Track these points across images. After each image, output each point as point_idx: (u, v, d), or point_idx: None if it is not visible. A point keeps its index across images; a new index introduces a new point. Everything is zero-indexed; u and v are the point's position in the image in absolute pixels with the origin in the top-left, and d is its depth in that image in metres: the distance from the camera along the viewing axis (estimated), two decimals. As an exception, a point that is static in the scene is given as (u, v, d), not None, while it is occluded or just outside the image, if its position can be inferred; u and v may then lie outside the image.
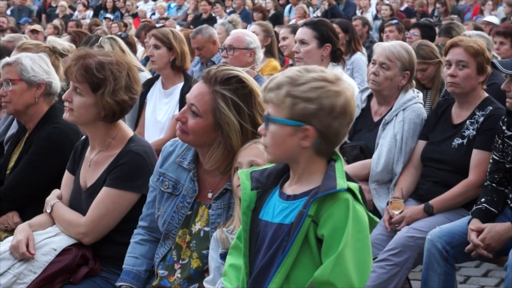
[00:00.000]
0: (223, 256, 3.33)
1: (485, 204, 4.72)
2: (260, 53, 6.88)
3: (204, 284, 3.45)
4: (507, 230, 4.59)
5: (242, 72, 3.57)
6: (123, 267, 3.82)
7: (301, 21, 10.36)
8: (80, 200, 4.09)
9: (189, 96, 3.57)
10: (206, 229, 3.61)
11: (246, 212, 2.84)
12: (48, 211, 4.12)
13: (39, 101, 4.69)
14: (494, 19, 13.90)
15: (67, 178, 4.24)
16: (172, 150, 3.77)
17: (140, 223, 3.86)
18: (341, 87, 2.74)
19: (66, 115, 4.06)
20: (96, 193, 3.99)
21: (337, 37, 6.25)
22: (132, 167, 3.98)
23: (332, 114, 2.70)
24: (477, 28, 7.34)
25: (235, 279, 2.93)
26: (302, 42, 6.09)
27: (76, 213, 4.05)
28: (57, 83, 4.78)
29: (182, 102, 6.61)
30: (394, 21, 11.45)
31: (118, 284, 3.78)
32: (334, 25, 8.16)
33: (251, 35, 6.98)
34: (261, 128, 2.80)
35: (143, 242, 3.82)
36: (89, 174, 4.10)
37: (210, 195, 3.65)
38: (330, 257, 2.65)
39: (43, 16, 23.46)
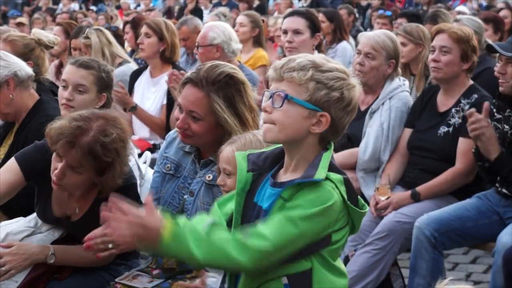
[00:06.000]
0: None
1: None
2: (235, 45, 6.65)
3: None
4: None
5: (227, 66, 3.65)
6: None
7: (287, 10, 10.28)
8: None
9: (185, 103, 3.60)
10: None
11: (240, 194, 2.84)
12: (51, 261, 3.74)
13: (15, 95, 4.52)
14: (465, 9, 13.96)
15: (15, 173, 3.88)
16: (175, 137, 3.86)
17: None
18: (355, 82, 2.80)
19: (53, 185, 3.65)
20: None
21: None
22: None
23: (348, 106, 2.76)
24: (456, 20, 7.37)
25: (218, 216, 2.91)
26: (297, 31, 6.04)
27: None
28: (23, 67, 4.56)
29: (169, 91, 6.58)
30: (388, 13, 11.40)
31: None
32: (320, 14, 8.20)
33: (216, 30, 6.67)
34: (267, 105, 2.75)
35: None
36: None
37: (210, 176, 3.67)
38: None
39: (26, 8, 23.35)
